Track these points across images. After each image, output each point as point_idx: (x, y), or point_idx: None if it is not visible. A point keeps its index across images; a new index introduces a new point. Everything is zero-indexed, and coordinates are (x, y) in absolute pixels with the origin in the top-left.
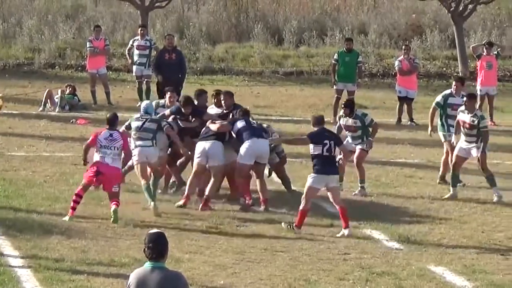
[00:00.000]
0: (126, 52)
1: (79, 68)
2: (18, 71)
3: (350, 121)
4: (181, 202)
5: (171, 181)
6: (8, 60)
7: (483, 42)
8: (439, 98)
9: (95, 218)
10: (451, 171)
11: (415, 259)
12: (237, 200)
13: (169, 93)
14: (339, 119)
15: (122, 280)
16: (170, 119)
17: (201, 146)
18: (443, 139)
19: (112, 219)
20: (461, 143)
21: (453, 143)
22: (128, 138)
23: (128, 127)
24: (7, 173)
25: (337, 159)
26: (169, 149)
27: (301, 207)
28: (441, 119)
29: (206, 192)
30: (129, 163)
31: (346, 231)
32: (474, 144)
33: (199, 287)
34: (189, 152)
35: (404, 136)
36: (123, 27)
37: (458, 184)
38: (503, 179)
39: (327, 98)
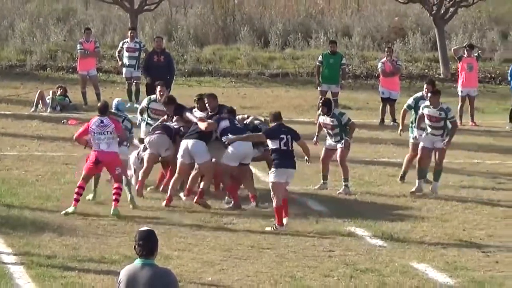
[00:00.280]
0: (116, 54)
1: (70, 70)
2: (10, 73)
3: (328, 120)
4: (163, 203)
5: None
6: (1, 62)
7: (464, 45)
8: (410, 100)
9: (86, 216)
10: (417, 166)
11: (398, 256)
12: (222, 198)
13: (159, 87)
14: (318, 117)
15: (113, 276)
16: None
17: (184, 144)
18: (411, 140)
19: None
20: (426, 136)
21: (415, 137)
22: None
23: None
24: (0, 172)
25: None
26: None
27: (274, 205)
28: (411, 121)
29: (201, 186)
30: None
31: (279, 227)
32: (439, 137)
33: (188, 284)
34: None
35: (387, 136)
36: (113, 29)
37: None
38: (484, 178)
39: (312, 99)
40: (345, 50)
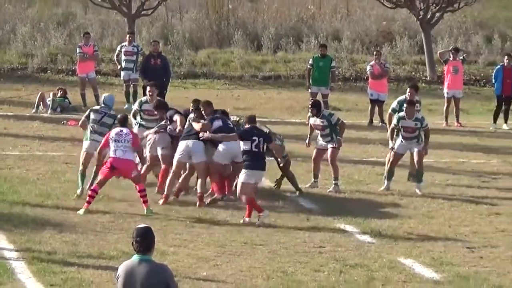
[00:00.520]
0: (115, 58)
1: (70, 73)
2: (12, 75)
3: (318, 121)
4: (160, 202)
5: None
6: (3, 65)
7: (450, 48)
8: (394, 104)
9: (85, 213)
10: (387, 166)
11: (386, 252)
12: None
13: (148, 87)
14: (309, 119)
15: (111, 272)
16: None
17: (184, 144)
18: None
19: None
20: (400, 143)
21: (392, 148)
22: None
23: (88, 117)
24: (2, 171)
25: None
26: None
27: (244, 201)
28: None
29: (198, 190)
30: (144, 167)
31: (247, 219)
32: (414, 144)
33: (183, 278)
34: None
35: (375, 136)
36: (111, 34)
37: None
38: (469, 177)
39: (303, 100)
40: (335, 53)
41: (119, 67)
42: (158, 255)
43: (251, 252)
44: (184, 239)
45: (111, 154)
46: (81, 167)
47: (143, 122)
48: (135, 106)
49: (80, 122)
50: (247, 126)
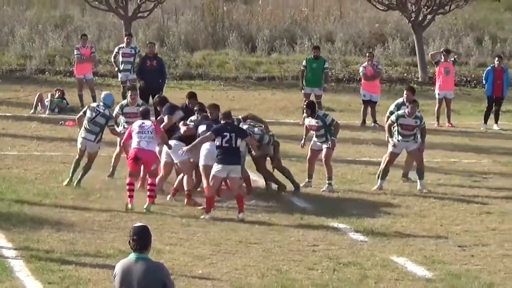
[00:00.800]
0: (112, 59)
1: (67, 74)
2: (11, 77)
3: (313, 121)
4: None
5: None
6: (2, 66)
7: (441, 50)
8: (392, 107)
9: (82, 211)
10: (383, 166)
11: (378, 250)
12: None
13: (129, 91)
14: (304, 120)
15: (108, 270)
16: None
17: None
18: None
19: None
20: (398, 142)
21: (394, 144)
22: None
23: (85, 113)
24: (1, 171)
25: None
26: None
27: (207, 195)
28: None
29: (185, 188)
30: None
31: (240, 215)
32: (411, 142)
33: (179, 276)
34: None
35: (368, 136)
36: (108, 36)
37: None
38: (461, 176)
39: (296, 101)
40: (328, 55)
41: (116, 69)
42: (155, 253)
43: (246, 251)
44: (180, 237)
45: (134, 145)
46: (77, 156)
47: (125, 125)
48: (116, 110)
49: (77, 116)
50: (222, 122)
